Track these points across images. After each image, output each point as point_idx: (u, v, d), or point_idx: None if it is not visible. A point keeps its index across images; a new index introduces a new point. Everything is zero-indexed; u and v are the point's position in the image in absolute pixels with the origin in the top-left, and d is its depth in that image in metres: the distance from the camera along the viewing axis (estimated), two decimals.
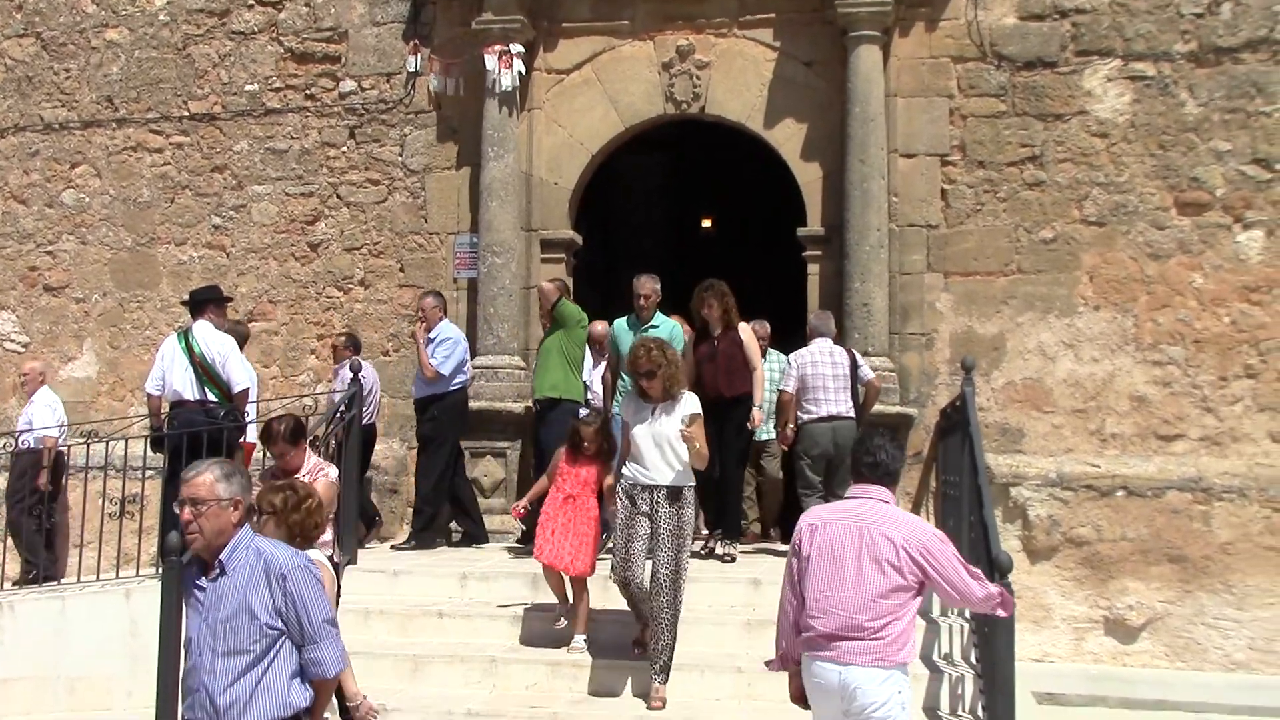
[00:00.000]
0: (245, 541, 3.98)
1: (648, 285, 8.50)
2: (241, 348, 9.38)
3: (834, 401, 8.44)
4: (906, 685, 4.61)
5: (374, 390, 9.70)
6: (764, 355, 9.18)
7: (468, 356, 9.46)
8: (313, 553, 5.77)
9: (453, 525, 9.39)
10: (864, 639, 4.51)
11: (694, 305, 8.48)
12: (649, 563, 6.49)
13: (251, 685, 3.85)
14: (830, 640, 4.54)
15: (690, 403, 6.57)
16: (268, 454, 6.60)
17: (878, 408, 8.98)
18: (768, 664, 5.06)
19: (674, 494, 6.48)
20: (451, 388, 9.16)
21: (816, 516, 4.81)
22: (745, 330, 8.46)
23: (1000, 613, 4.94)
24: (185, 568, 4.22)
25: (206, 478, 3.95)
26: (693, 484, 6.58)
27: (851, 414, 8.52)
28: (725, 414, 8.18)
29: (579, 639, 6.99)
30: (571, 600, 7.11)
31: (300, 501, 4.96)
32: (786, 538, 9.15)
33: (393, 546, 9.24)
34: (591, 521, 7.08)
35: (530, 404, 9.29)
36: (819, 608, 4.59)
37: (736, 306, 8.45)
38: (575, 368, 8.84)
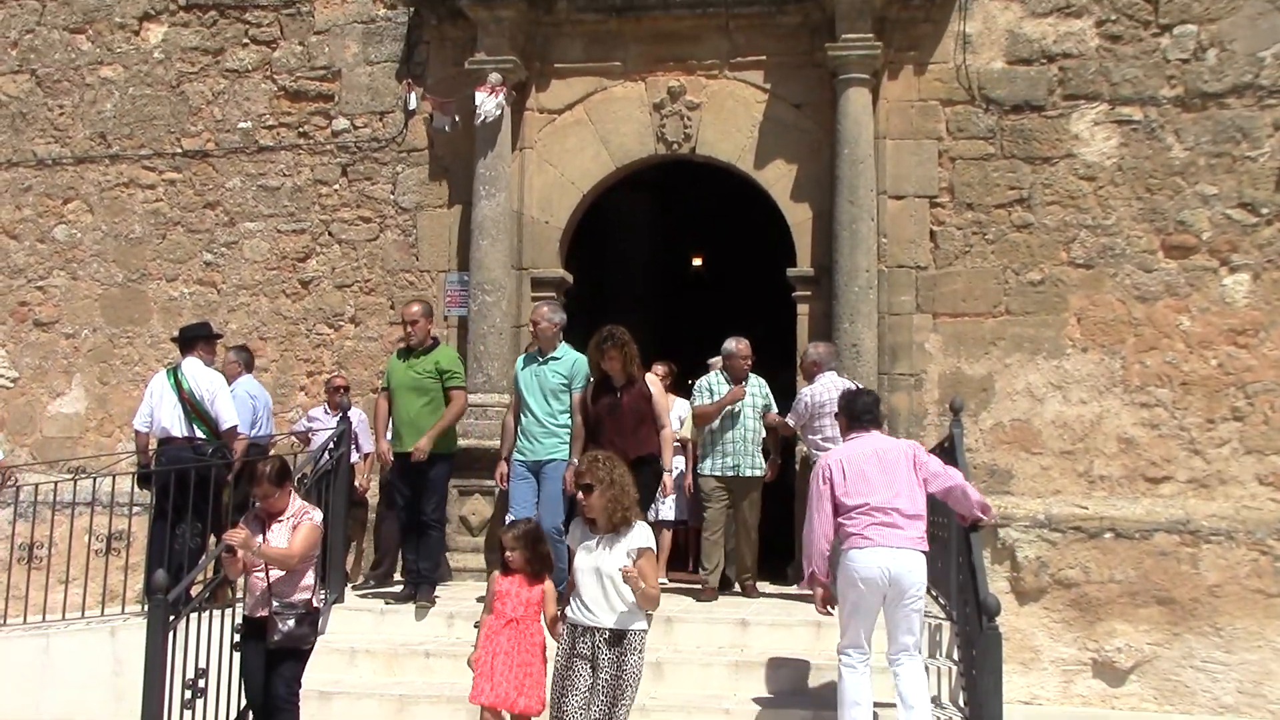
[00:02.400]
0: None
1: (539, 313, 8.11)
2: (250, 369, 9.45)
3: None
4: None
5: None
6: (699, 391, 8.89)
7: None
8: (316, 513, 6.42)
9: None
10: (904, 529, 6.05)
11: (591, 357, 7.76)
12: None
13: None
14: (878, 527, 6.01)
15: (640, 535, 5.63)
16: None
17: None
18: (798, 584, 6.71)
19: (616, 638, 5.56)
20: None
21: (838, 454, 6.34)
22: (653, 383, 7.88)
23: (982, 516, 6.42)
24: None
25: None
26: (642, 627, 5.62)
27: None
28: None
29: None
30: None
31: None
32: (776, 575, 9.16)
33: (351, 587, 9.10)
34: (539, 651, 6.08)
35: None
36: (862, 510, 6.06)
37: (639, 355, 7.81)
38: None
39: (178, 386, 8.33)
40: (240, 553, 6.06)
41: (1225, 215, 9.28)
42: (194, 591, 6.80)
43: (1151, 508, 9.07)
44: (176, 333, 9.20)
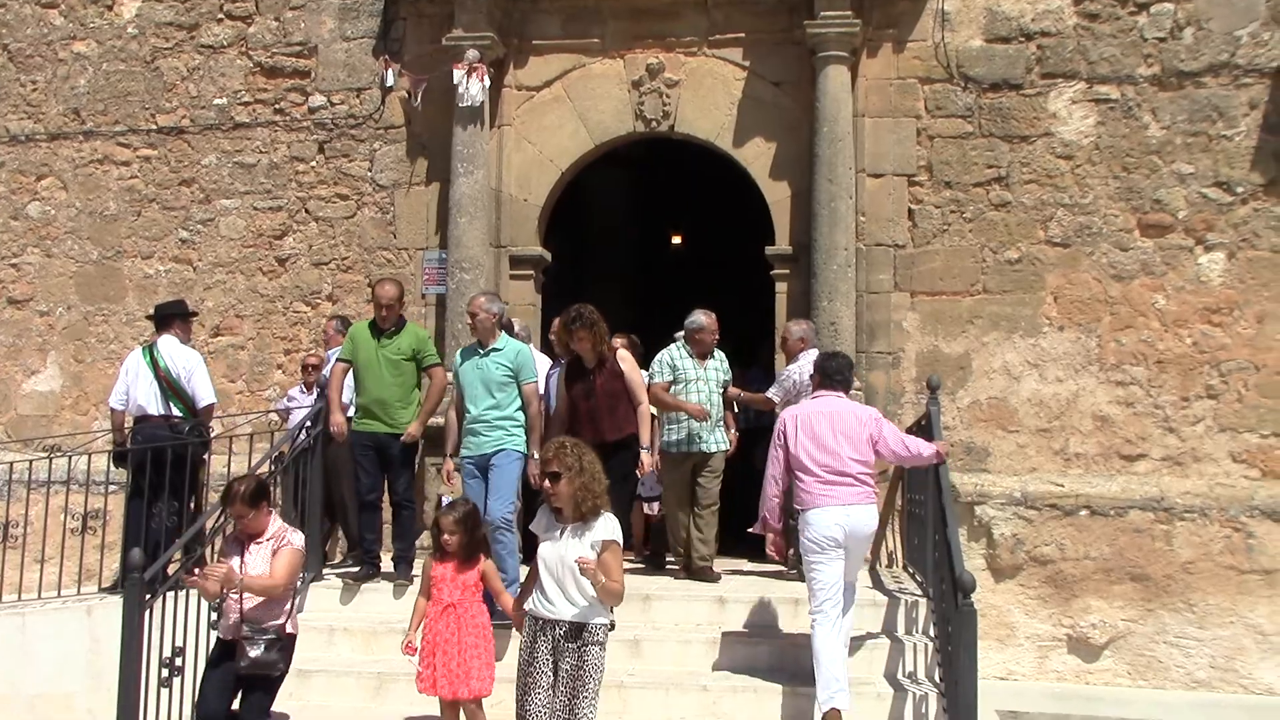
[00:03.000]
0: None
1: (476, 303, 7.71)
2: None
3: None
4: None
5: None
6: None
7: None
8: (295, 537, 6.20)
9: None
10: (855, 485, 6.57)
11: (558, 338, 7.62)
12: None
13: None
14: (830, 485, 6.53)
15: (605, 527, 5.37)
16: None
17: None
18: (750, 530, 7.17)
19: (576, 631, 5.34)
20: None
21: (795, 411, 6.86)
22: (626, 359, 7.58)
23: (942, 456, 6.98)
24: None
25: None
26: (603, 621, 5.39)
27: None
28: (606, 458, 6.43)
29: None
30: None
31: None
32: (756, 554, 9.18)
33: (330, 566, 9.03)
34: (482, 631, 6.16)
35: None
36: (817, 472, 6.57)
37: (607, 332, 7.59)
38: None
39: (154, 364, 8.28)
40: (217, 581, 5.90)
41: (1201, 194, 9.32)
42: (170, 570, 6.78)
43: (1126, 485, 9.14)
44: (152, 310, 9.14)
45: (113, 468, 8.57)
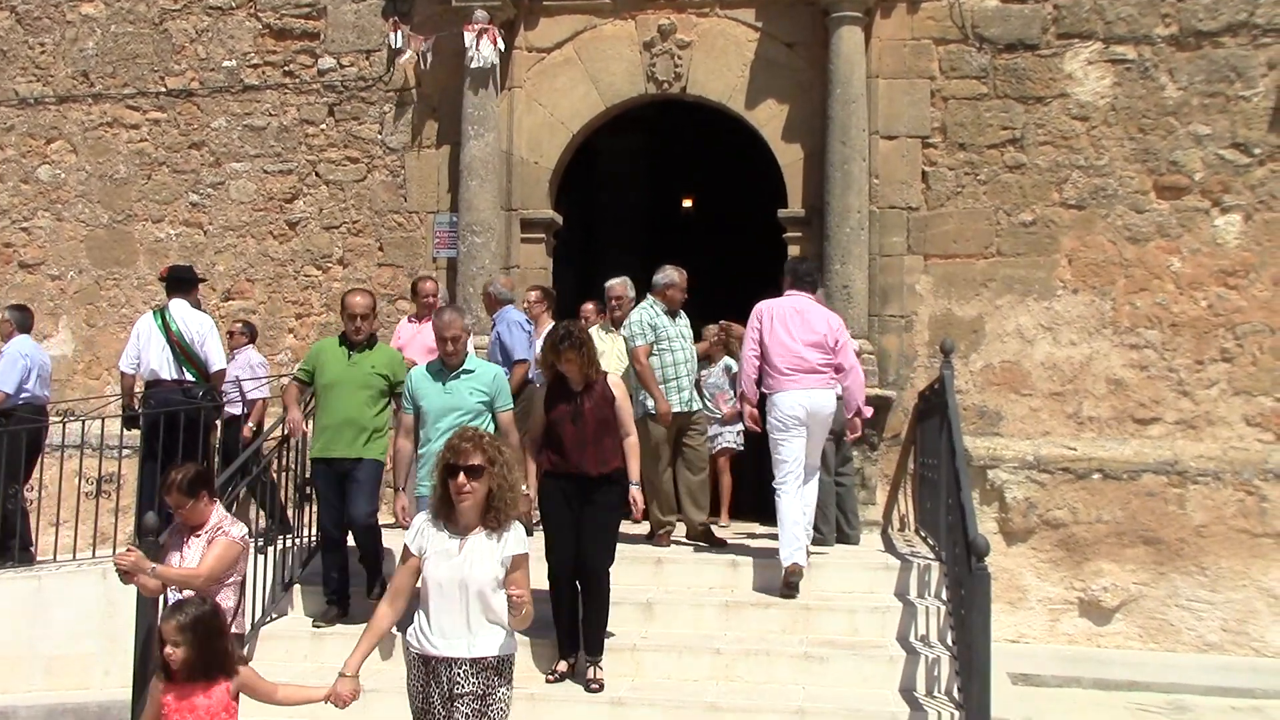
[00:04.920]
0: None
1: (447, 318, 6.72)
2: (27, 330, 9.01)
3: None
4: None
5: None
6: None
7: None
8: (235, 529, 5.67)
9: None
10: (817, 373, 7.31)
11: (543, 358, 6.73)
12: None
13: None
14: (795, 375, 7.27)
15: (515, 540, 4.39)
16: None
17: None
18: (729, 408, 8.23)
19: (480, 669, 4.33)
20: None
21: (770, 304, 7.49)
22: (618, 385, 6.70)
23: (857, 422, 7.79)
24: None
25: None
26: (513, 653, 4.44)
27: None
28: (588, 494, 6.42)
29: None
30: None
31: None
32: (761, 515, 9.18)
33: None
34: None
35: None
36: (784, 360, 7.29)
37: (597, 354, 6.72)
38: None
39: (165, 328, 8.27)
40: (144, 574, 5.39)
41: (1218, 155, 9.23)
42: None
43: (1140, 449, 9.11)
44: (164, 272, 9.13)
45: (126, 431, 8.58)
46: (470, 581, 4.31)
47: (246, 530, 5.79)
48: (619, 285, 8.97)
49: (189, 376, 8.25)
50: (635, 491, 6.60)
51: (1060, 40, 9.48)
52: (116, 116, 11.05)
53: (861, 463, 9.23)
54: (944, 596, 7.18)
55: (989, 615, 5.75)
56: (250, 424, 9.34)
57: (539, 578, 5.92)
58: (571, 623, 6.49)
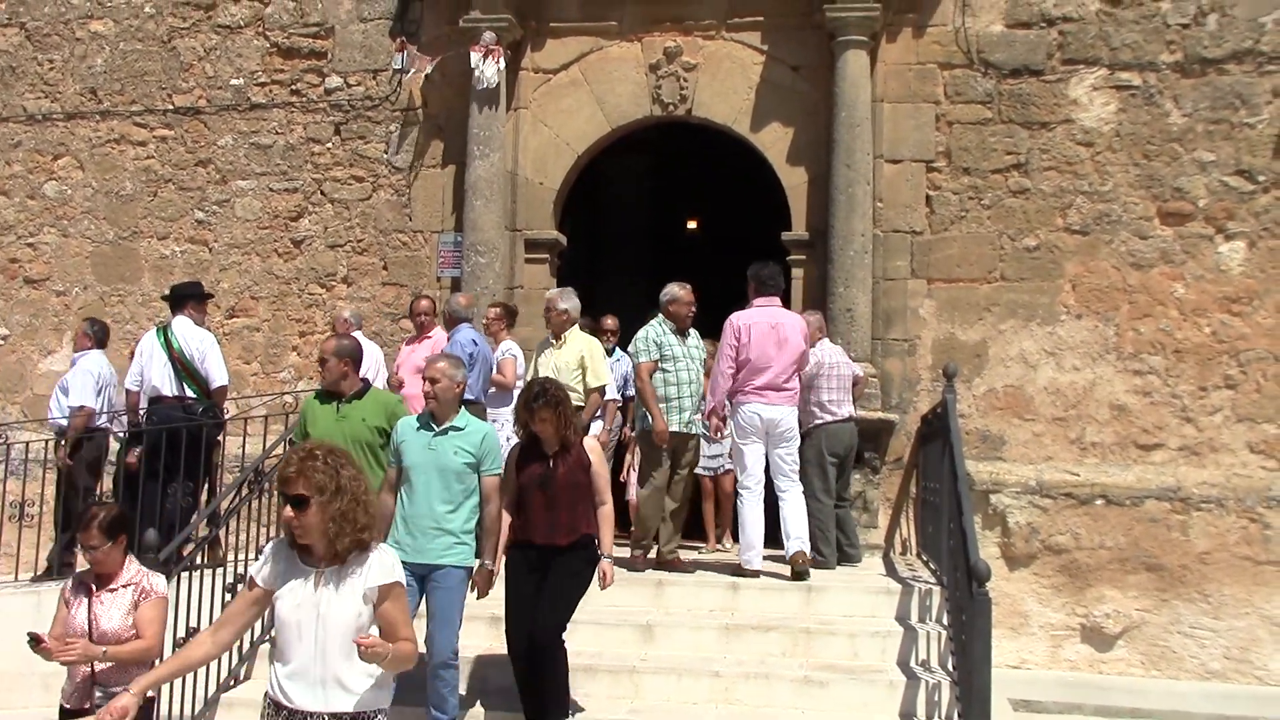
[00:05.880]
0: None
1: (437, 369, 6.18)
2: (102, 345, 9.09)
3: (847, 404, 8.54)
4: None
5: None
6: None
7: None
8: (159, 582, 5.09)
9: None
10: (782, 390, 7.77)
11: (519, 416, 6.25)
12: None
13: None
14: (763, 391, 7.73)
15: (380, 567, 3.77)
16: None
17: (859, 413, 9.02)
18: (702, 416, 7.99)
19: None
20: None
21: (747, 318, 7.80)
22: (594, 450, 6.22)
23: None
24: None
25: None
26: (383, 706, 3.83)
27: (852, 415, 8.63)
28: (551, 560, 6.01)
29: None
30: None
31: None
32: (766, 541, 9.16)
33: None
34: None
35: None
36: (757, 374, 7.71)
37: (574, 416, 6.27)
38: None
39: (168, 345, 8.29)
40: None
41: (1222, 182, 9.24)
42: (185, 551, 6.78)
43: (1143, 475, 9.09)
44: (167, 291, 9.15)
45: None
46: (327, 621, 3.70)
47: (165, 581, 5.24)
48: (553, 295, 8.63)
49: (190, 393, 8.27)
50: (607, 565, 6.12)
51: (1065, 66, 9.50)
52: (124, 133, 11.10)
53: (863, 486, 9.22)
54: (945, 621, 7.15)
55: (990, 641, 5.73)
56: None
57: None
58: (534, 694, 6.03)
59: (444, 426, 6.11)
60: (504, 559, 6.12)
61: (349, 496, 3.71)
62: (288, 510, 3.71)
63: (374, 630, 3.75)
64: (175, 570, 6.36)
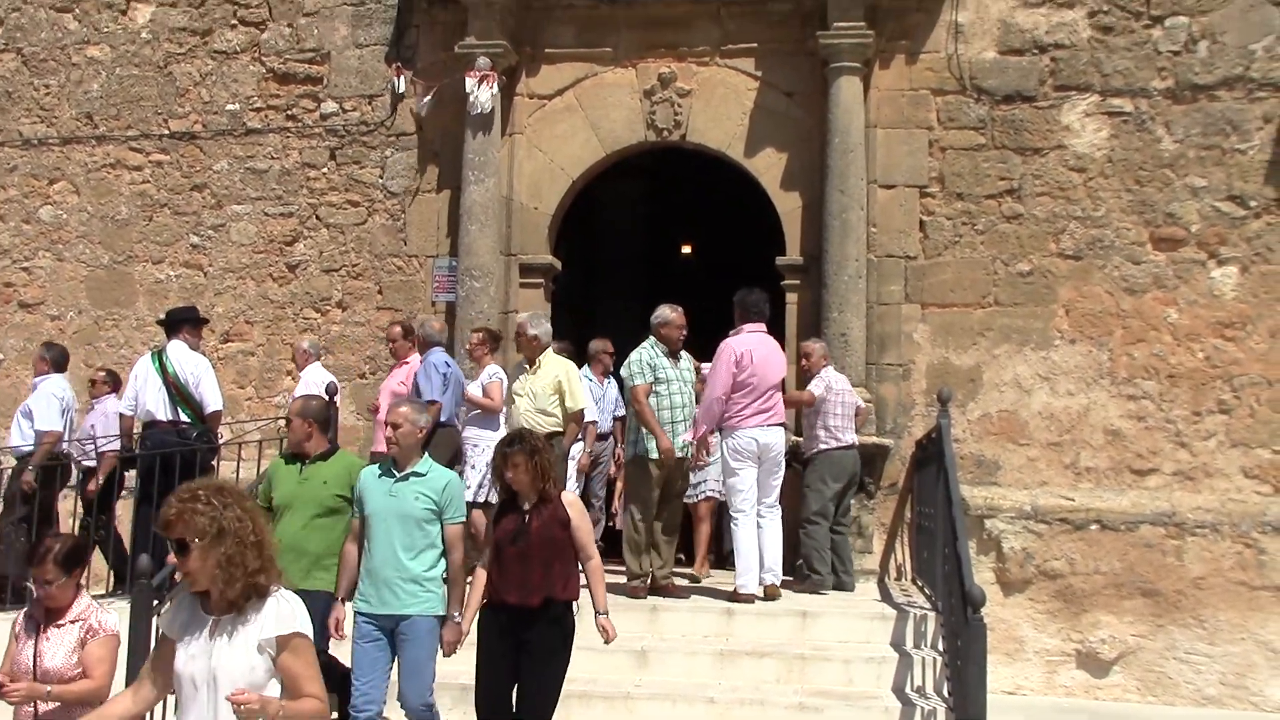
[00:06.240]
0: None
1: (400, 414, 5.93)
2: (61, 369, 9.05)
3: (850, 430, 8.65)
4: None
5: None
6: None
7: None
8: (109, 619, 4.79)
9: None
10: (772, 414, 7.97)
11: (494, 464, 5.84)
12: None
13: None
14: (761, 415, 7.90)
15: (277, 617, 3.46)
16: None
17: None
18: (687, 441, 7.96)
19: None
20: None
21: (746, 344, 7.95)
22: (574, 505, 5.78)
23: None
24: None
25: None
26: None
27: (855, 441, 8.77)
28: (529, 629, 5.54)
29: None
30: None
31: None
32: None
33: None
34: None
35: None
36: (754, 402, 7.88)
37: (553, 469, 5.76)
38: None
39: (162, 370, 8.29)
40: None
41: (1214, 208, 9.28)
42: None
43: (1137, 499, 9.09)
44: (162, 315, 9.15)
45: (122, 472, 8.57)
46: (218, 674, 3.38)
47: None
48: (523, 321, 8.53)
49: (184, 418, 8.26)
50: (605, 620, 5.75)
51: (1058, 92, 9.55)
52: (119, 158, 11.11)
53: (859, 511, 9.22)
54: (940, 647, 7.14)
55: (985, 667, 5.72)
56: (100, 478, 8.85)
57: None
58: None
59: (405, 472, 5.84)
60: (477, 619, 5.74)
61: (233, 539, 3.40)
62: (171, 555, 3.49)
63: (274, 686, 3.42)
64: (168, 596, 6.33)
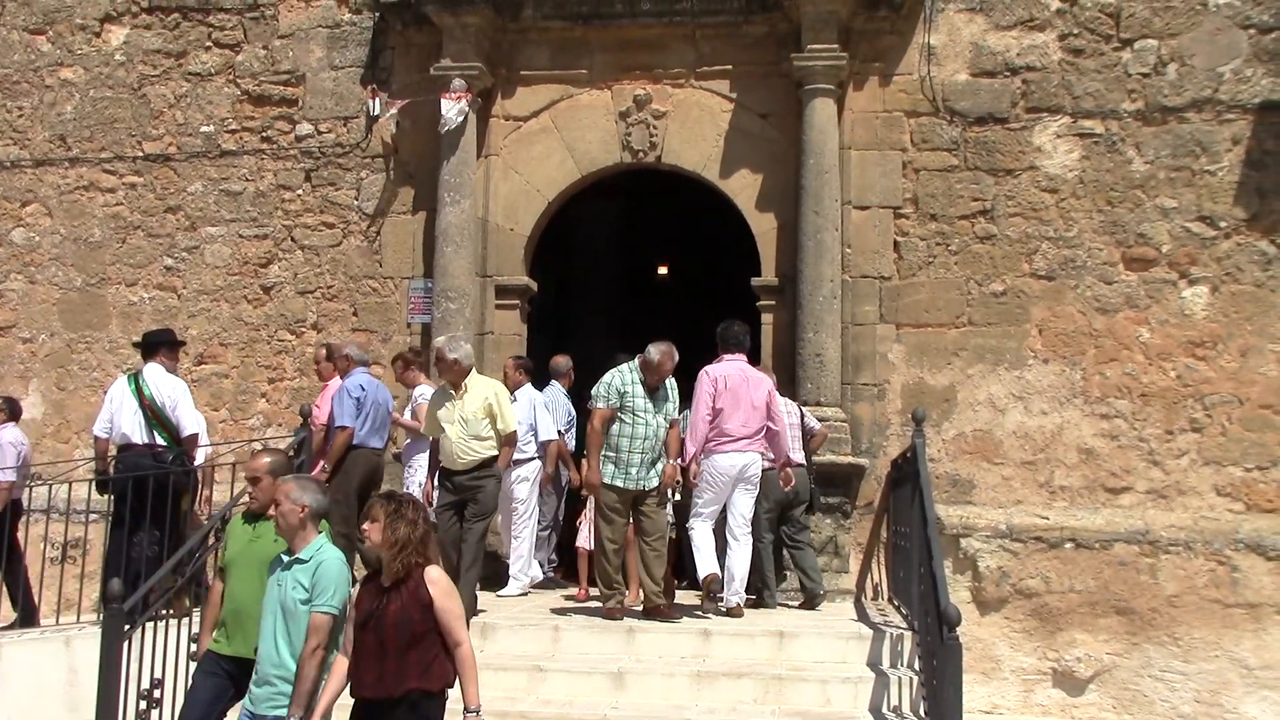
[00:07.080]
0: None
1: (285, 490, 5.32)
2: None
3: (794, 450, 8.59)
4: None
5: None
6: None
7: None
8: None
9: None
10: (752, 440, 8.08)
11: (364, 531, 4.97)
12: None
13: None
14: (736, 441, 8.01)
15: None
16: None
17: (829, 458, 9.14)
18: (676, 464, 8.10)
19: None
20: None
21: (722, 370, 8.12)
22: (438, 583, 4.87)
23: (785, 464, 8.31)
24: None
25: None
26: None
27: (804, 461, 8.75)
28: (388, 717, 4.80)
29: None
30: None
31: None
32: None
33: None
34: None
35: None
36: (732, 425, 8.01)
37: (424, 543, 4.92)
38: None
39: (139, 393, 8.24)
40: None
41: (1185, 228, 9.37)
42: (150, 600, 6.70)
43: (1111, 518, 9.14)
44: (138, 338, 9.10)
45: (96, 496, 8.50)
46: None
47: None
48: (441, 345, 8.06)
49: (160, 441, 8.21)
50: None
51: (1029, 114, 9.63)
52: (93, 180, 11.07)
53: (834, 531, 9.25)
54: (917, 667, 7.14)
55: (960, 686, 5.73)
56: None
57: None
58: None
59: (294, 556, 5.25)
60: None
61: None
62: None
63: None
64: (139, 620, 6.29)
